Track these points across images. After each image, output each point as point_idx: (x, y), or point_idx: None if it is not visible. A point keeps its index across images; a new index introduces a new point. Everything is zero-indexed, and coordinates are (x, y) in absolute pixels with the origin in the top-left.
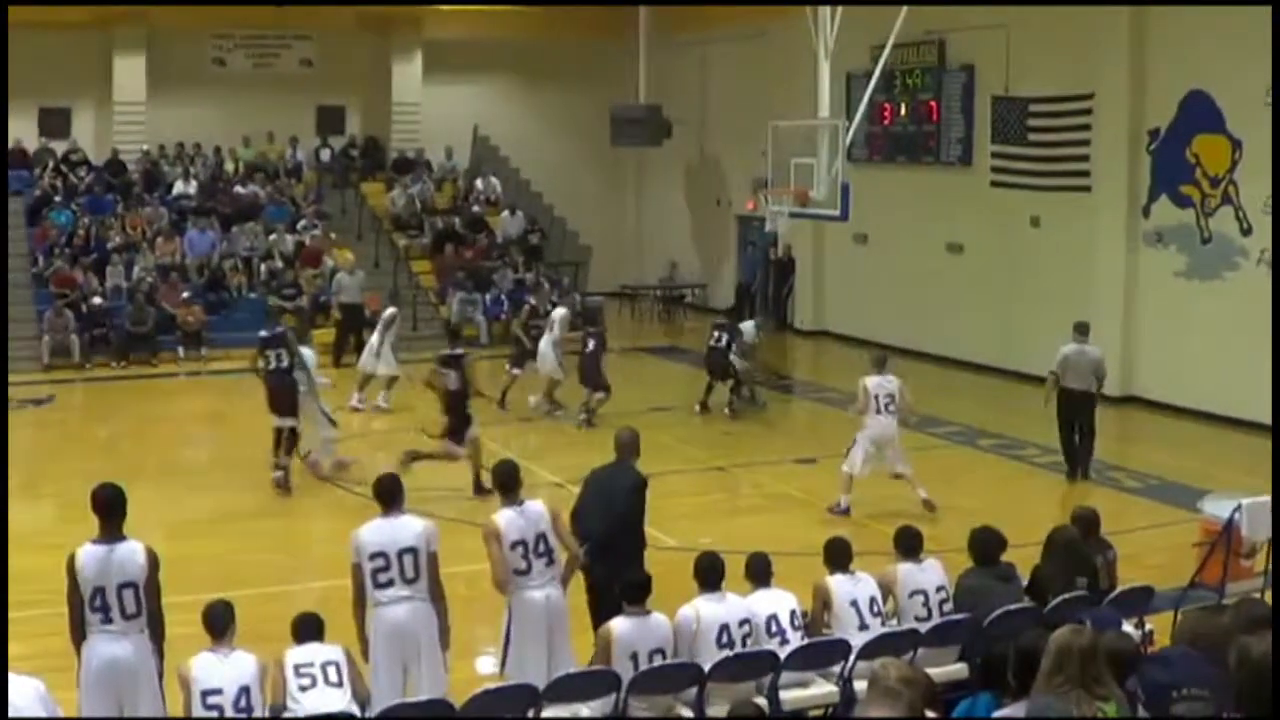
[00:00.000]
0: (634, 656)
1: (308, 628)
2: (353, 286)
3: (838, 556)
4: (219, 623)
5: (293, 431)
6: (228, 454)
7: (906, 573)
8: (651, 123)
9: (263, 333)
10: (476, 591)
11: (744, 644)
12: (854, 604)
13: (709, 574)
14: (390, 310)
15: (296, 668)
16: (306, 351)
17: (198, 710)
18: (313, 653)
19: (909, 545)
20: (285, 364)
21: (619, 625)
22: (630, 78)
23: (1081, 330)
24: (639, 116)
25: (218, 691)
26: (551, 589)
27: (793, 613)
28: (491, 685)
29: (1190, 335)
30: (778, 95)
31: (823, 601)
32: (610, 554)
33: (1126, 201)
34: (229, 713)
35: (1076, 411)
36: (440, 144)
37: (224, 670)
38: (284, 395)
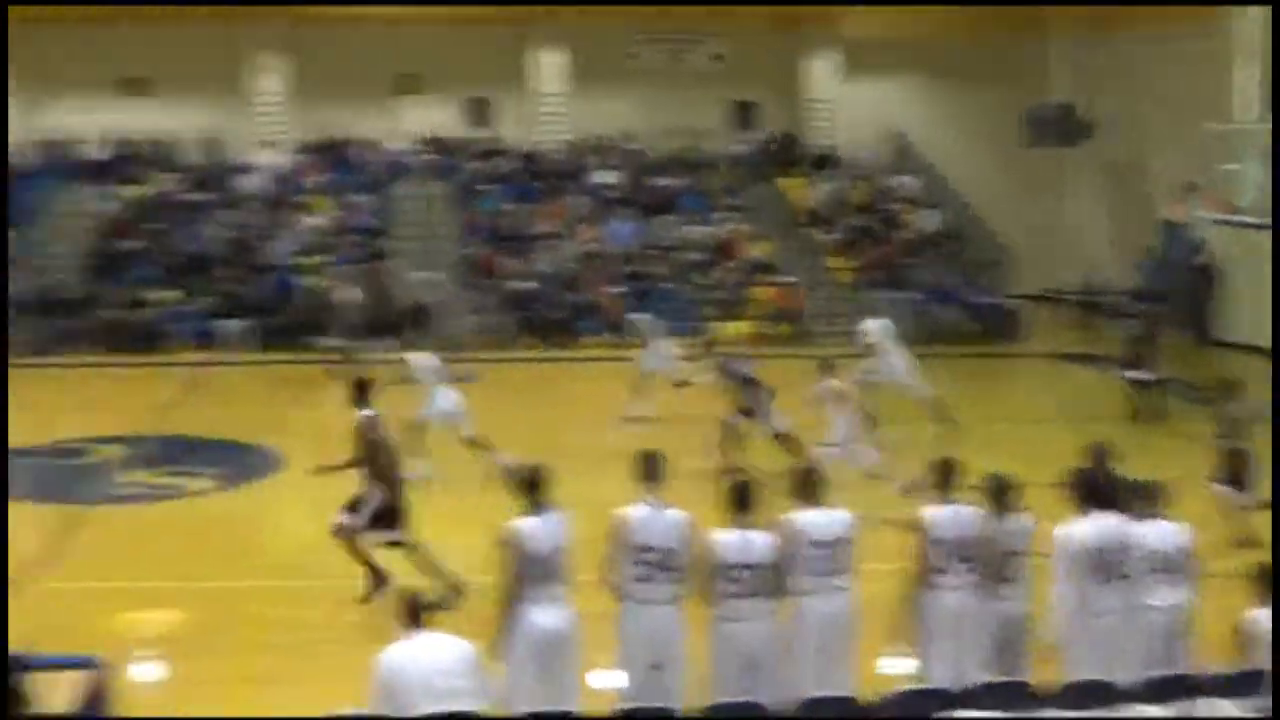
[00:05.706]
0: None
1: None
2: None
3: None
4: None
5: None
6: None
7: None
8: (1066, 123)
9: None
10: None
11: None
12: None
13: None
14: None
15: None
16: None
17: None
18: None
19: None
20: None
21: None
22: (1051, 76)
23: None
24: (1053, 116)
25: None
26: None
27: None
28: None
29: None
30: (1209, 96)
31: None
32: None
33: None
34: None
35: None
36: (852, 140)
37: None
38: None
